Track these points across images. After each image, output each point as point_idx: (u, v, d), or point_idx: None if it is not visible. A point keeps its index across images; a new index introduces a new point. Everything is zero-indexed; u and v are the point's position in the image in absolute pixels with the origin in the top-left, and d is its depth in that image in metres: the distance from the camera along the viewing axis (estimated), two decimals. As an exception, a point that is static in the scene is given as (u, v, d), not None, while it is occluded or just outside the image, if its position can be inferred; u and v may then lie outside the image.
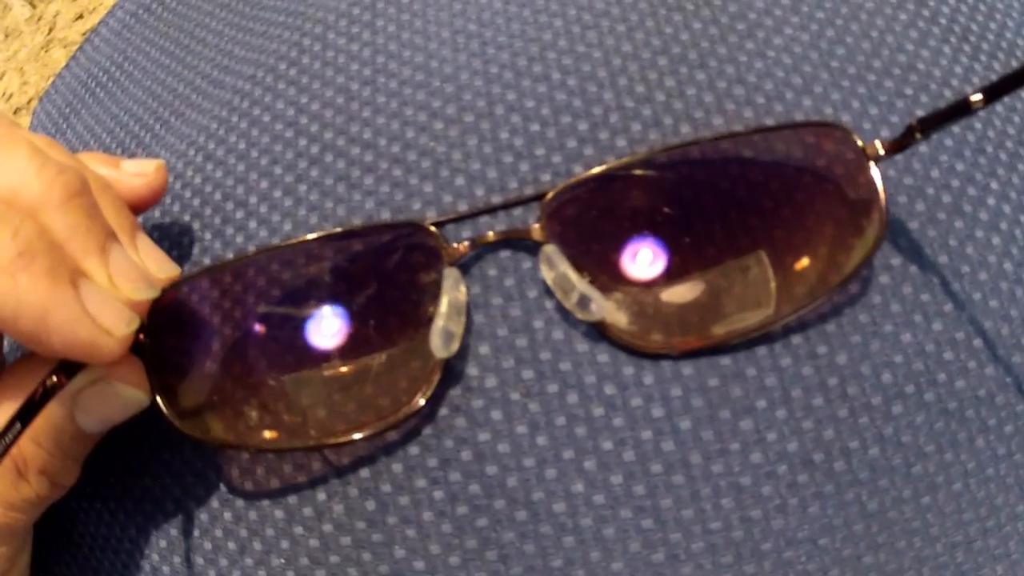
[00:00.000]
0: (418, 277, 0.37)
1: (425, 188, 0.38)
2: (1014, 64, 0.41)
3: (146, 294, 0.34)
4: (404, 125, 0.40)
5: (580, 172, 0.37)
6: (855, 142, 0.36)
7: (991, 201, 0.38)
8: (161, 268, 0.36)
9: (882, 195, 0.36)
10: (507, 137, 0.38)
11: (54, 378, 0.33)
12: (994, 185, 0.38)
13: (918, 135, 0.34)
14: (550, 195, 0.36)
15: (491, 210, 0.37)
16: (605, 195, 0.37)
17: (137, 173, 0.38)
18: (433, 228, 0.36)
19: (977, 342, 0.37)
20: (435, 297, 0.36)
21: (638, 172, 0.37)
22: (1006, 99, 0.40)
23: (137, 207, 0.38)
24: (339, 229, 0.37)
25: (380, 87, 0.40)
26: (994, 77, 0.40)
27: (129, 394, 0.35)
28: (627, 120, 0.38)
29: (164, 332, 0.36)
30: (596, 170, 0.37)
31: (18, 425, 0.32)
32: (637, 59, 0.39)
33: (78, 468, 0.37)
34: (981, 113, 0.39)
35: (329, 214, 0.39)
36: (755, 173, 0.37)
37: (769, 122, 0.38)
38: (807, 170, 0.37)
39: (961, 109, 0.32)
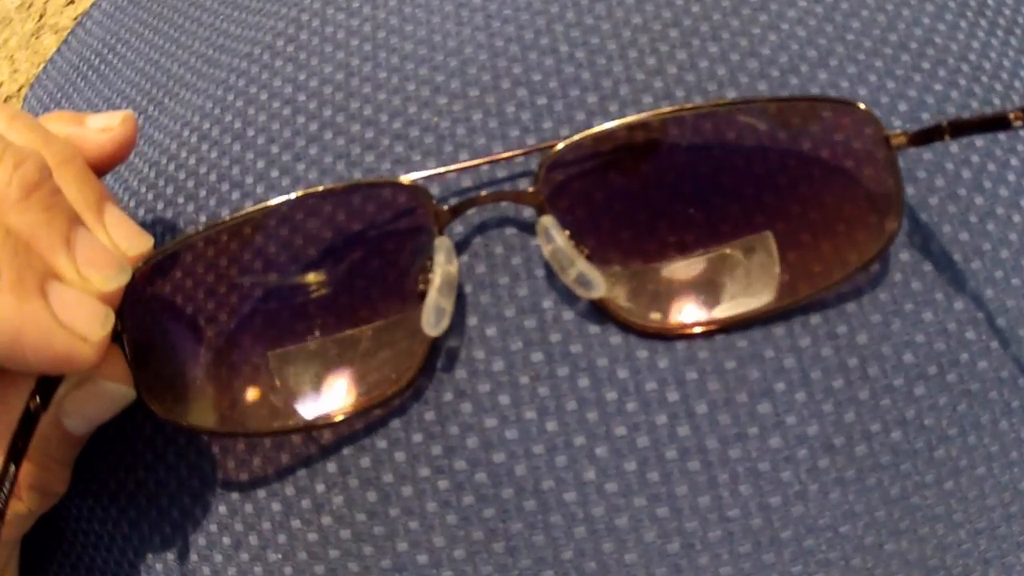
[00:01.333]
0: (405, 244, 0.36)
1: (428, 165, 0.37)
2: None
3: (117, 281, 0.33)
4: (406, 101, 0.38)
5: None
6: (879, 128, 0.35)
7: (1011, 177, 0.37)
8: (132, 244, 0.34)
9: (901, 185, 0.35)
10: (513, 111, 0.37)
11: (37, 399, 0.32)
12: (1014, 161, 0.37)
13: (947, 136, 0.33)
14: (549, 155, 0.35)
15: (484, 163, 0.36)
16: (607, 160, 0.36)
17: (103, 128, 0.36)
18: (419, 187, 0.35)
19: (1000, 321, 0.36)
20: (426, 270, 0.35)
21: (644, 136, 0.36)
22: (1024, 73, 0.39)
23: (107, 164, 0.37)
24: (319, 188, 0.36)
25: (381, 62, 0.39)
26: (1011, 52, 0.39)
27: (115, 390, 0.34)
28: (638, 93, 0.37)
29: (141, 314, 0.35)
30: (594, 130, 0.35)
31: (12, 468, 0.31)
32: (648, 31, 0.38)
33: (69, 472, 0.36)
34: (999, 87, 0.38)
35: (328, 193, 0.37)
36: (768, 147, 0.36)
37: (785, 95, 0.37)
38: (823, 148, 0.36)
39: (998, 123, 0.31)
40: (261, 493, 0.37)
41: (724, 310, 0.35)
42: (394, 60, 0.39)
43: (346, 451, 0.36)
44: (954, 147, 0.37)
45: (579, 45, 0.38)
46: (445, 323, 0.34)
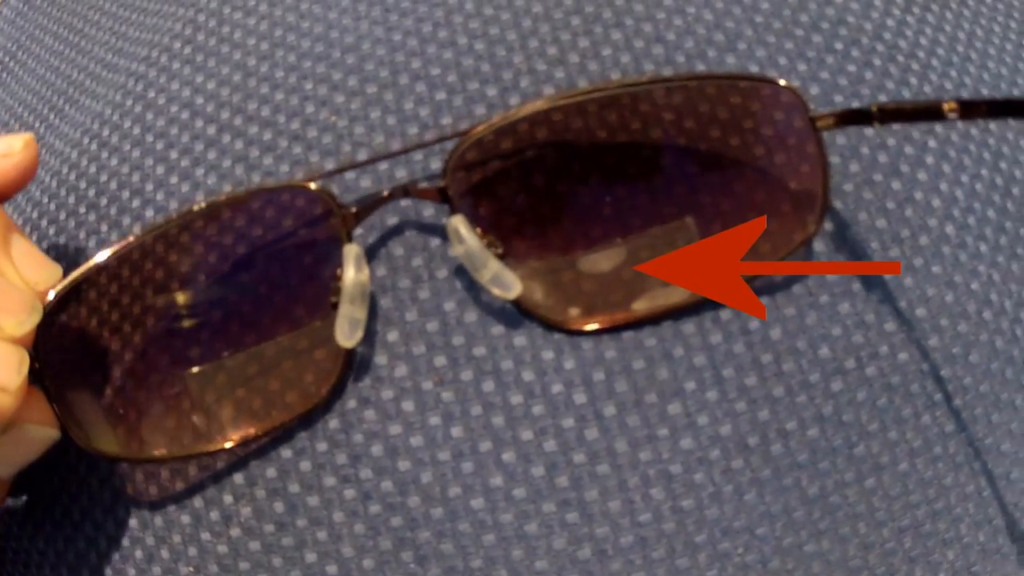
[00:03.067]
0: (313, 250, 0.35)
1: (327, 166, 0.37)
2: (948, 16, 0.40)
3: (30, 323, 0.32)
4: (304, 100, 0.38)
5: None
6: (804, 108, 0.34)
7: (930, 160, 0.37)
8: (40, 276, 0.34)
9: (827, 170, 0.34)
10: (412, 108, 0.37)
11: None
12: (932, 143, 0.37)
13: (876, 123, 0.32)
14: (454, 148, 0.34)
15: (386, 157, 0.36)
16: (517, 152, 0.35)
17: (4, 154, 0.35)
18: (324, 190, 0.34)
19: (920, 311, 0.35)
20: (335, 277, 0.34)
21: (554, 125, 0.35)
22: (942, 52, 0.38)
23: (9, 191, 0.36)
24: (222, 197, 0.35)
25: (278, 61, 0.39)
26: (928, 30, 0.39)
27: (38, 433, 0.34)
28: (539, 84, 0.37)
29: (55, 347, 0.34)
30: (498, 119, 0.34)
31: None
32: (548, 20, 0.38)
33: None
34: (915, 67, 0.37)
35: (227, 198, 0.37)
36: (692, 130, 0.35)
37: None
38: (744, 131, 0.35)
39: (932, 113, 0.31)
40: (171, 506, 0.36)
41: (644, 303, 0.35)
42: (291, 58, 0.39)
43: (252, 462, 0.35)
44: (869, 131, 0.36)
45: (478, 37, 0.38)
46: (360, 333, 0.34)
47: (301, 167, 0.37)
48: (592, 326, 0.34)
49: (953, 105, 0.29)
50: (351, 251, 0.34)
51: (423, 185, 0.35)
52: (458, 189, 0.34)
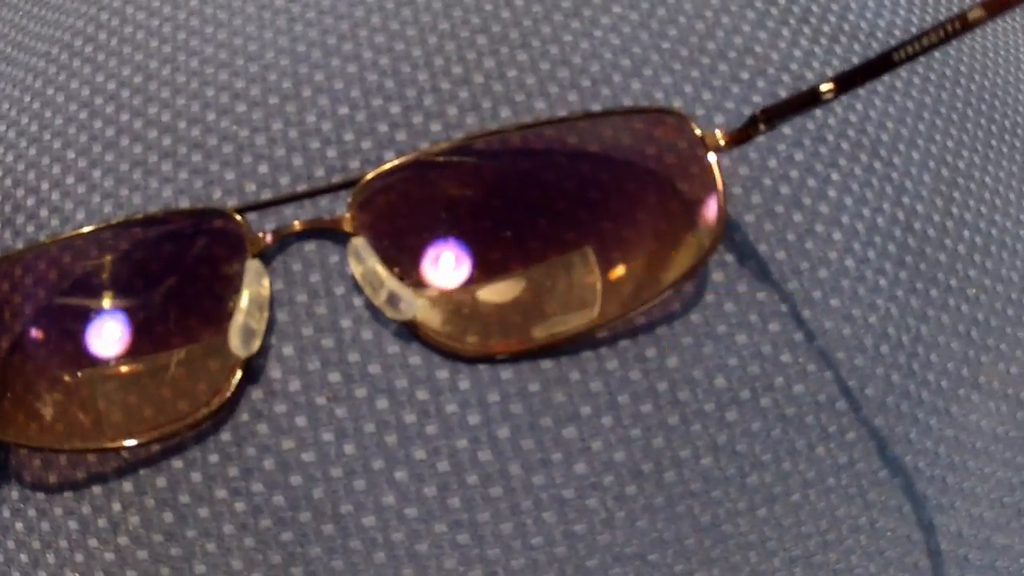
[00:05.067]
0: (220, 270, 0.36)
1: (226, 175, 0.37)
2: (857, 48, 0.41)
3: None
4: (205, 107, 0.39)
5: (391, 159, 0.36)
6: (692, 131, 0.36)
7: (832, 193, 0.38)
8: None
9: (721, 189, 0.36)
10: (314, 121, 0.37)
11: None
12: (835, 176, 0.38)
13: (762, 126, 0.33)
14: (362, 183, 0.36)
15: (299, 197, 0.37)
16: (419, 185, 0.36)
17: None
18: (238, 216, 0.36)
19: (818, 343, 0.36)
20: (237, 292, 0.35)
21: (455, 160, 0.36)
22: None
23: None
24: (138, 216, 0.36)
25: (180, 66, 0.39)
26: (836, 62, 0.40)
27: None
28: (443, 103, 0.38)
29: None
30: (409, 157, 0.36)
31: None
32: (455, 38, 0.39)
33: None
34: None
35: (124, 202, 0.38)
36: (582, 163, 0.37)
37: (596, 106, 0.38)
38: (639, 160, 0.37)
39: (810, 99, 0.32)
40: (58, 511, 0.37)
41: (541, 331, 0.36)
42: (193, 63, 0.40)
43: (142, 471, 0.36)
44: (772, 162, 0.38)
45: (383, 51, 0.39)
46: (256, 344, 0.35)
47: (200, 176, 0.38)
48: (487, 353, 0.35)
49: (828, 86, 0.31)
50: (252, 266, 0.35)
51: (333, 215, 0.36)
52: (362, 216, 0.36)
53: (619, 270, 0.37)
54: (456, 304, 0.36)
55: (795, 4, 0.42)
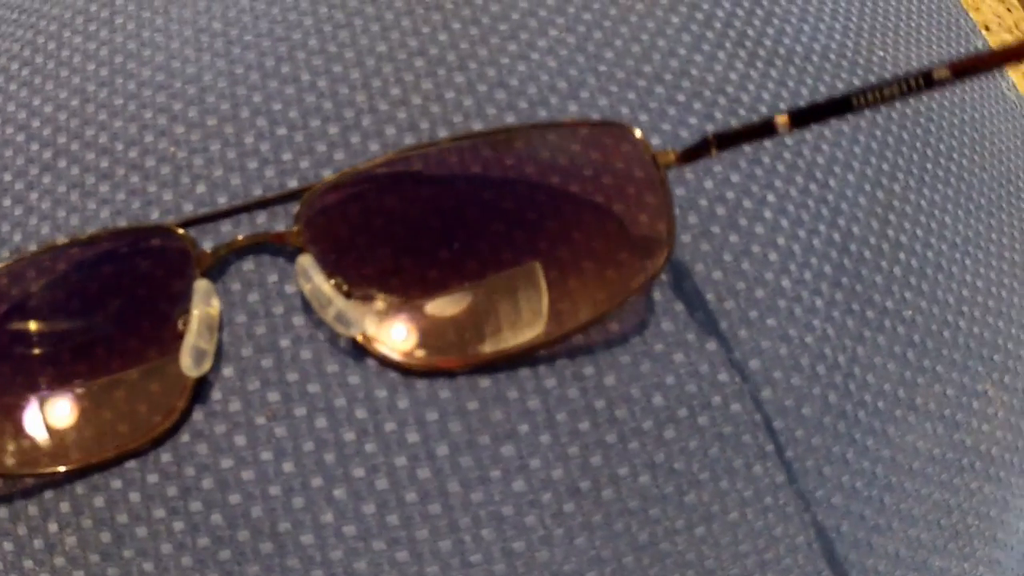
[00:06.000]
0: (166, 290, 0.37)
1: (164, 196, 0.38)
2: (792, 72, 0.42)
3: None
4: (143, 129, 0.39)
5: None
6: (644, 147, 0.37)
7: (768, 215, 0.39)
8: None
9: (672, 207, 0.37)
10: (252, 142, 0.38)
11: None
12: (771, 198, 0.39)
13: (714, 150, 0.34)
14: (308, 194, 0.37)
15: (243, 209, 0.37)
16: (365, 198, 0.37)
17: None
18: (181, 231, 0.36)
19: (754, 363, 0.37)
20: (185, 312, 0.36)
21: (400, 172, 0.37)
22: (783, 107, 0.41)
23: None
24: (81, 236, 0.37)
25: (118, 88, 0.40)
26: (771, 85, 0.42)
27: None
28: (381, 124, 0.39)
29: None
30: (357, 167, 0.37)
31: None
32: (392, 60, 0.40)
33: None
34: (756, 119, 0.40)
35: (62, 224, 0.38)
36: (529, 176, 0.38)
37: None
38: (587, 175, 0.38)
39: (765, 130, 0.33)
40: None
41: (489, 346, 0.37)
42: (131, 86, 0.40)
43: (80, 490, 0.36)
44: (709, 183, 0.39)
45: (321, 73, 0.40)
46: (207, 364, 0.36)
47: (138, 197, 0.38)
48: (434, 367, 0.36)
49: (785, 119, 0.32)
50: (201, 286, 0.36)
51: (277, 229, 0.37)
52: (307, 233, 0.37)
53: (568, 286, 0.37)
54: (403, 320, 0.37)
55: (731, 28, 0.43)
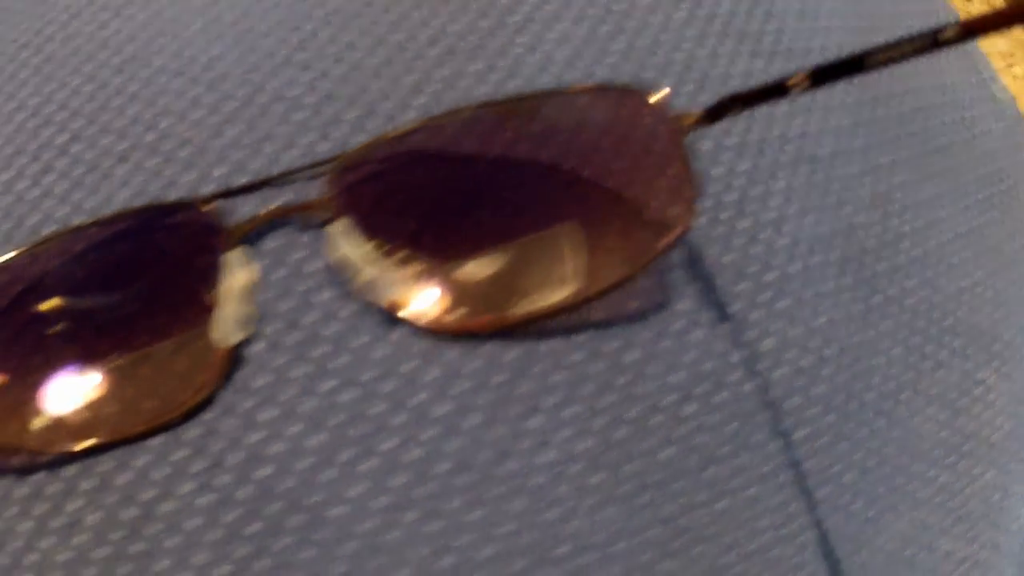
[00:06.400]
0: (193, 265, 0.37)
1: (184, 178, 0.38)
2: (792, 68, 0.44)
3: None
4: (159, 114, 0.40)
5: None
6: (666, 109, 0.38)
7: (775, 202, 0.40)
8: None
9: (693, 166, 0.37)
10: (270, 126, 0.39)
11: None
12: (777, 186, 0.40)
13: (735, 110, 0.35)
14: (337, 162, 0.37)
15: (273, 180, 0.38)
16: (394, 166, 0.38)
17: None
18: (209, 205, 0.37)
19: (767, 343, 0.38)
20: (212, 287, 0.36)
21: (428, 139, 0.38)
22: (786, 105, 0.42)
23: None
24: (108, 215, 0.37)
25: (133, 75, 0.41)
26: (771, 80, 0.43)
27: None
28: (396, 110, 0.40)
29: None
30: (388, 134, 0.37)
31: None
32: (406, 48, 0.41)
33: None
34: (764, 111, 0.41)
35: (79, 205, 0.38)
36: (554, 139, 0.38)
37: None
38: (612, 137, 0.39)
39: (783, 89, 0.34)
40: (14, 510, 0.37)
41: (519, 307, 0.37)
42: (145, 72, 0.41)
43: (103, 467, 0.36)
44: (718, 170, 0.40)
45: (337, 61, 0.41)
46: (241, 333, 0.36)
47: (157, 178, 0.39)
48: (461, 328, 0.37)
49: (799, 78, 0.33)
50: (235, 255, 0.36)
51: (305, 199, 0.38)
52: (338, 201, 0.37)
53: (596, 247, 0.38)
54: (434, 284, 0.37)
55: (732, 25, 0.44)
